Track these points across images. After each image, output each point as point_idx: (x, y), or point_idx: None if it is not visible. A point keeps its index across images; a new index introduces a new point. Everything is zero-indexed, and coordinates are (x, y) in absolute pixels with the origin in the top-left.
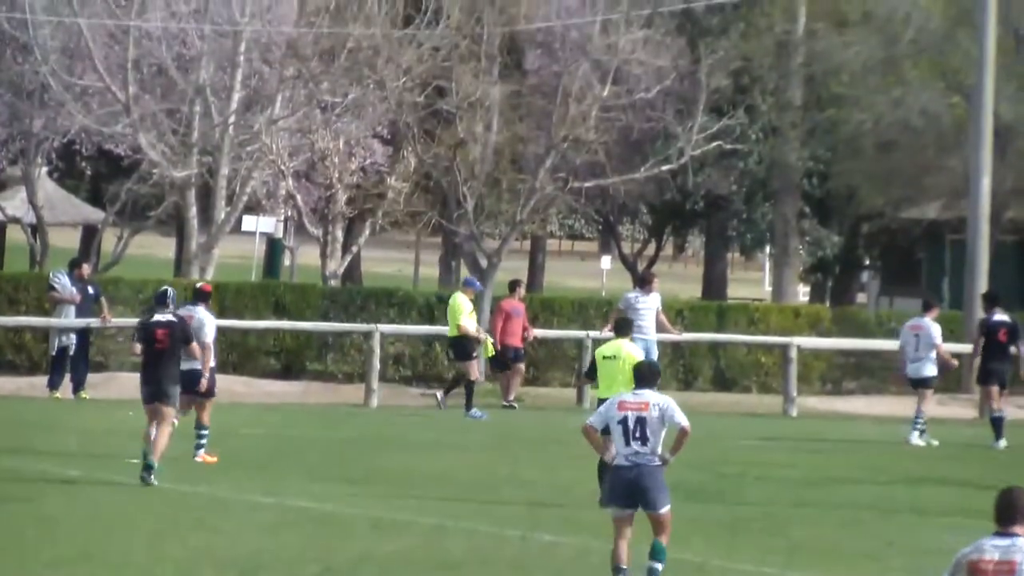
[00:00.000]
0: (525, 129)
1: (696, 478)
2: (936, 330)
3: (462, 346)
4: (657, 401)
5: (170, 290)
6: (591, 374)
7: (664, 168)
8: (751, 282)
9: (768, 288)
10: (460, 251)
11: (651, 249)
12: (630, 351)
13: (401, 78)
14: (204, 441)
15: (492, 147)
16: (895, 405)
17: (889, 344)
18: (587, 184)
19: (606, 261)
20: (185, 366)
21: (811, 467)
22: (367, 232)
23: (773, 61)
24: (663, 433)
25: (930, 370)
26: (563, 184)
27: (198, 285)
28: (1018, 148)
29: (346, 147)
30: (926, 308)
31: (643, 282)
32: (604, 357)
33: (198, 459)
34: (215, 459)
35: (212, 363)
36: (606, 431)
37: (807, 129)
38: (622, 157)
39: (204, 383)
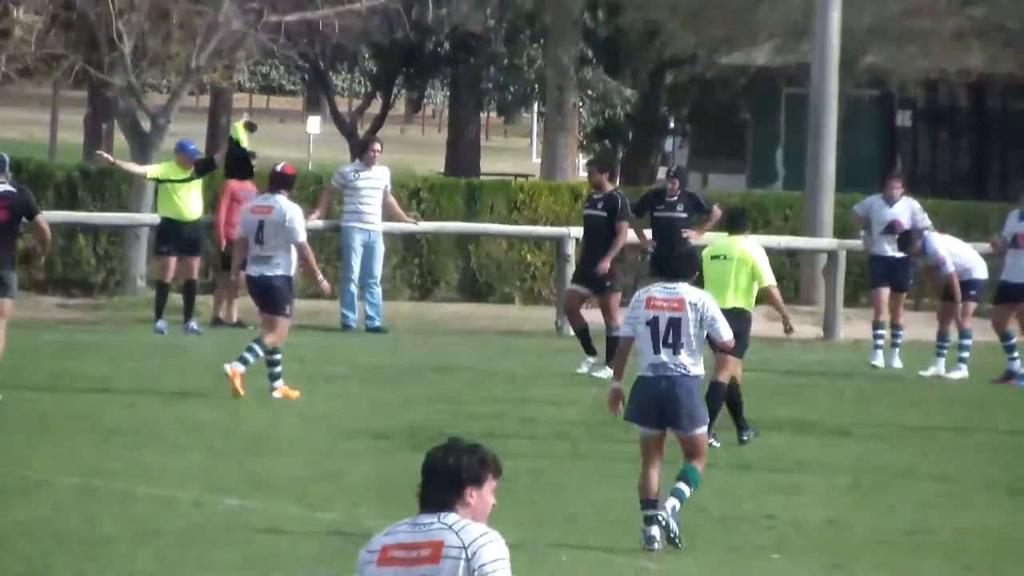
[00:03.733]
0: None
1: (438, 422)
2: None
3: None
4: (695, 299)
5: (6, 157)
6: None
7: None
8: (514, 152)
9: (537, 161)
10: (114, 109)
11: (376, 107)
12: (747, 250)
13: None
14: (279, 370)
15: None
16: None
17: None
18: (288, 17)
19: (314, 123)
20: (256, 271)
21: (595, 406)
22: None
23: None
24: (701, 340)
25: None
26: (255, 17)
27: (278, 167)
28: None
29: None
30: None
31: (363, 150)
32: (712, 257)
33: (276, 394)
34: (297, 393)
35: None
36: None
37: None
38: None
39: (325, 285)
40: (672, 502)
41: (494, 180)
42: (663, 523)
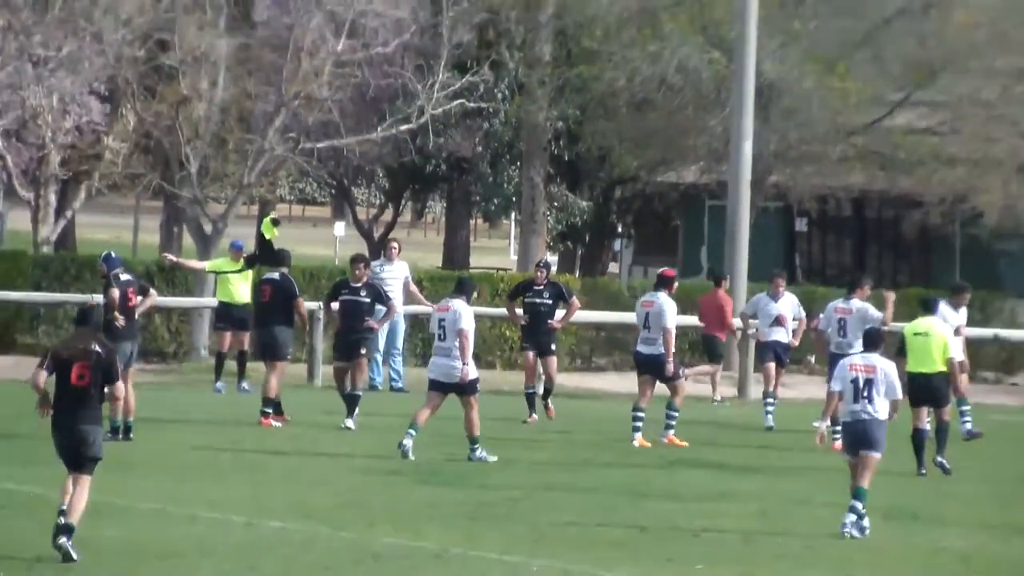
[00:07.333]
0: (254, 85)
1: (433, 460)
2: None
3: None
4: (884, 367)
5: (112, 255)
6: (902, 351)
7: (403, 128)
8: (496, 251)
9: (514, 257)
10: (183, 216)
11: (388, 215)
12: (940, 329)
13: (120, 30)
14: (674, 423)
15: (218, 104)
16: None
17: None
18: (320, 145)
19: (340, 227)
20: (645, 349)
21: (560, 448)
22: (82, 196)
23: (521, 14)
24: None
25: None
26: (294, 145)
27: (660, 271)
28: (782, 108)
29: (60, 104)
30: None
31: (384, 248)
32: (915, 334)
33: (664, 440)
34: (685, 443)
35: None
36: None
37: (557, 87)
38: (358, 116)
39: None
40: (850, 517)
41: (480, 272)
42: (848, 532)
